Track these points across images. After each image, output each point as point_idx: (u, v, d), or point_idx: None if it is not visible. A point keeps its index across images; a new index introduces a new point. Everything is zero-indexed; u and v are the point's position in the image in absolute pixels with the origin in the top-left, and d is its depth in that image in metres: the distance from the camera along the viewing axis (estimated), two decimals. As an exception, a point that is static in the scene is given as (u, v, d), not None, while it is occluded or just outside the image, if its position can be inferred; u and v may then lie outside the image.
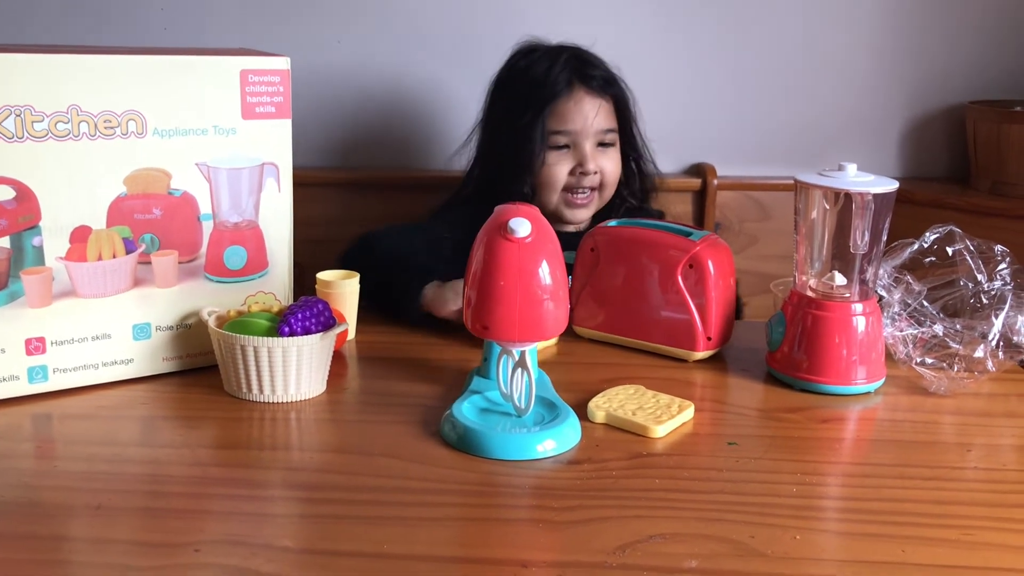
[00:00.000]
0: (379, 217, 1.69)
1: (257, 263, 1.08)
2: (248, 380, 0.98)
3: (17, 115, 0.92)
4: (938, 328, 1.06)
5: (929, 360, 1.06)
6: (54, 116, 0.94)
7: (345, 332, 1.12)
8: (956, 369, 1.05)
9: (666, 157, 1.57)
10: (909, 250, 1.10)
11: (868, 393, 1.06)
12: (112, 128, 0.97)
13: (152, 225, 1.02)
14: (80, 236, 0.98)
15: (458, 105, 1.72)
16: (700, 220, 1.77)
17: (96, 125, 0.96)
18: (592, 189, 1.40)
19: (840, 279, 1.07)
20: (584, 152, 1.38)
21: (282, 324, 0.98)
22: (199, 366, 1.07)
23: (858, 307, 1.05)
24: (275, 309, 1.05)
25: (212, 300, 1.06)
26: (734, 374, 1.11)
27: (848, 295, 1.06)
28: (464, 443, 0.89)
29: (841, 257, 1.06)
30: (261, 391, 0.99)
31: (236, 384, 0.99)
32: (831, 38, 1.77)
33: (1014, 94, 1.79)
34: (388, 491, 0.82)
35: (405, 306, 1.20)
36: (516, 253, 0.86)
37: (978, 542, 0.76)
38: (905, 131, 1.83)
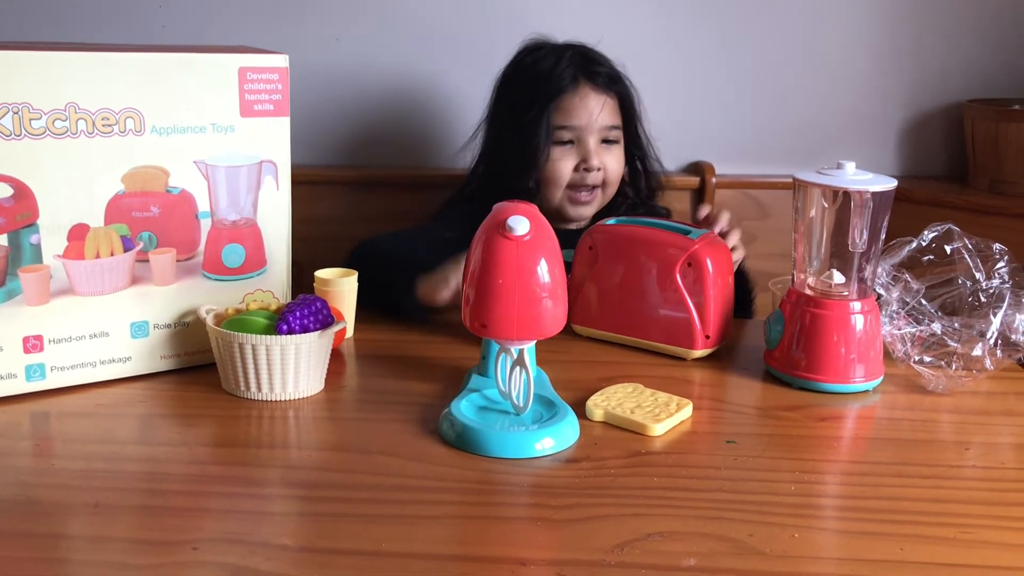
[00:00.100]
0: (379, 215, 1.69)
1: (255, 261, 1.08)
2: (246, 378, 0.98)
3: (15, 113, 0.92)
4: (936, 326, 1.06)
5: (927, 358, 1.06)
6: (52, 114, 0.93)
7: (343, 330, 1.12)
8: (954, 367, 1.05)
9: (664, 155, 1.56)
10: (907, 248, 1.10)
11: (866, 391, 1.06)
12: (110, 126, 0.97)
13: (150, 223, 1.01)
14: (78, 234, 0.98)
15: (458, 103, 1.72)
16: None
17: (94, 123, 0.96)
18: (595, 186, 1.40)
19: (838, 277, 1.07)
20: (588, 148, 1.38)
21: (280, 322, 0.98)
22: (197, 364, 1.07)
23: (856, 305, 1.05)
24: (273, 307, 1.05)
25: (210, 298, 1.06)
26: (732, 372, 1.11)
27: (846, 293, 1.06)
28: (462, 441, 0.89)
29: (839, 255, 1.06)
30: (259, 389, 0.99)
31: (234, 382, 0.99)
32: (830, 36, 1.77)
33: (1012, 92, 1.79)
34: (386, 489, 0.82)
35: (405, 304, 1.20)
36: (515, 251, 0.86)
37: (976, 540, 0.76)
38: (903, 129, 1.83)
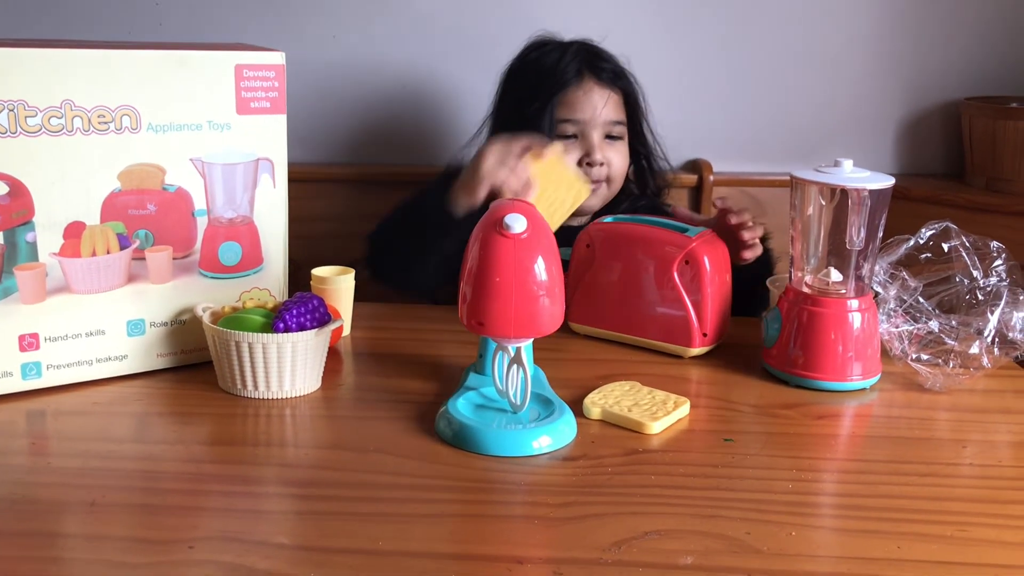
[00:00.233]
0: (376, 213, 1.67)
1: (252, 259, 1.08)
2: (243, 376, 0.98)
3: (10, 110, 0.91)
4: (934, 324, 1.06)
5: (925, 356, 1.06)
6: (47, 111, 0.93)
7: (340, 328, 1.12)
8: (952, 365, 1.05)
9: (662, 153, 1.57)
10: (905, 246, 1.10)
11: (864, 389, 1.06)
12: (106, 123, 0.96)
13: (146, 221, 1.01)
14: (74, 232, 0.97)
15: (455, 101, 1.72)
16: (696, 217, 1.77)
17: (90, 120, 0.95)
18: (599, 181, 1.40)
19: (836, 275, 1.07)
20: (592, 142, 1.38)
21: (277, 320, 0.98)
22: (193, 362, 1.07)
23: (854, 303, 1.05)
24: (270, 305, 1.05)
25: (207, 296, 1.06)
26: (730, 370, 1.11)
27: (844, 291, 1.06)
28: (459, 439, 0.89)
29: (837, 253, 1.06)
30: (256, 387, 0.98)
31: (231, 380, 0.99)
32: (827, 34, 1.77)
33: (1010, 90, 1.79)
34: (383, 487, 0.82)
35: (449, 229, 1.18)
36: (512, 249, 0.86)
37: (973, 538, 0.76)
38: (901, 127, 1.83)
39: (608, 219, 1.20)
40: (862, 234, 1.04)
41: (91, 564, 0.71)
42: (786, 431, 0.96)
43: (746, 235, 1.20)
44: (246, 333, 0.97)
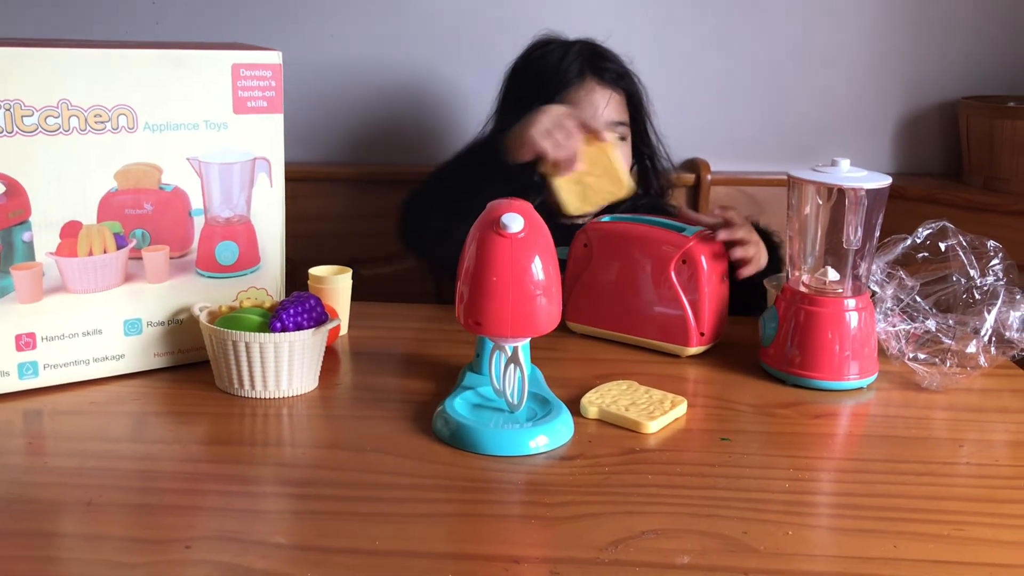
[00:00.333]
0: (373, 213, 1.69)
1: (249, 258, 1.08)
2: (240, 376, 0.98)
3: (7, 110, 0.91)
4: (931, 324, 1.07)
5: (922, 355, 1.06)
6: (44, 111, 0.93)
7: (337, 328, 1.12)
8: (948, 365, 1.05)
9: (661, 152, 1.57)
10: (902, 246, 1.11)
11: (861, 389, 1.06)
12: (103, 123, 0.96)
13: (143, 220, 1.01)
14: (70, 231, 0.97)
15: (453, 100, 1.72)
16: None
17: (86, 120, 0.95)
18: None
19: (833, 274, 1.07)
20: None
21: (274, 320, 0.98)
22: (190, 362, 1.07)
23: (851, 303, 1.05)
24: (267, 305, 1.05)
25: (203, 295, 1.06)
26: (727, 370, 1.11)
27: (841, 290, 1.06)
28: (456, 439, 0.89)
29: (834, 252, 1.06)
30: (253, 387, 0.98)
31: (228, 380, 0.99)
32: (825, 33, 1.77)
33: (1007, 89, 1.79)
34: (380, 487, 0.82)
35: (495, 171, 1.20)
36: (508, 248, 0.86)
37: (970, 537, 0.76)
38: (898, 126, 1.83)
39: (605, 218, 1.20)
40: (859, 233, 1.04)
41: (88, 564, 0.71)
42: (783, 430, 0.96)
43: (737, 253, 1.16)
44: (243, 332, 0.97)
